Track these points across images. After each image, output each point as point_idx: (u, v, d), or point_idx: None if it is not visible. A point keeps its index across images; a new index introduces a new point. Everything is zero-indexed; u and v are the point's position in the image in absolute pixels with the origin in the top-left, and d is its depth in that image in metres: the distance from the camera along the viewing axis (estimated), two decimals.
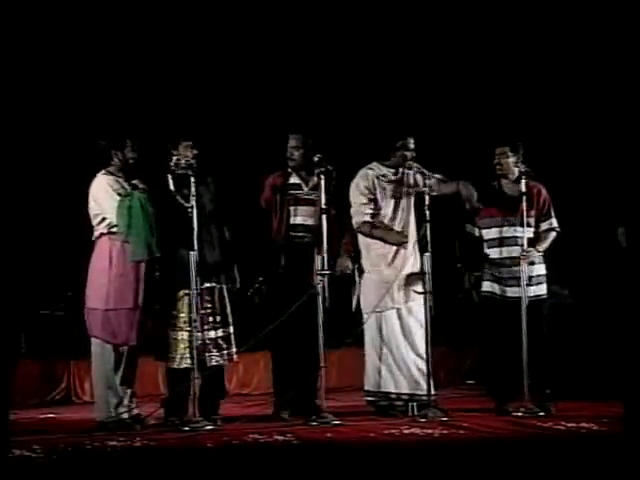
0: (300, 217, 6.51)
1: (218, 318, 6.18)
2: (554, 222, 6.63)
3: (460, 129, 9.16)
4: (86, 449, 5.27)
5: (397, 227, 6.58)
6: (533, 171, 6.53)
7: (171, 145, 6.22)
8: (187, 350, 6.01)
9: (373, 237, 6.55)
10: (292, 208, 6.51)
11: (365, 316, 6.52)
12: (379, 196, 6.56)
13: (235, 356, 6.28)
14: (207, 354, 6.09)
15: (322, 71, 9.10)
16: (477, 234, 6.64)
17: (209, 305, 6.15)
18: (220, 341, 6.16)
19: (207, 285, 6.13)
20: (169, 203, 6.09)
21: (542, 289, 6.57)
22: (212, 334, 6.14)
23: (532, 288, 6.49)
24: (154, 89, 8.75)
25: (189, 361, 5.99)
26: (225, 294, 6.25)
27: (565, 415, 6.13)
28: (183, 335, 6.06)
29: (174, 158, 6.16)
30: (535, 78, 9.01)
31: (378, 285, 6.50)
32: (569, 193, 7.54)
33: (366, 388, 6.55)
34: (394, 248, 6.55)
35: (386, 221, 6.57)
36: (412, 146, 6.62)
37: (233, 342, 6.23)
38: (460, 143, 8.99)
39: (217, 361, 6.14)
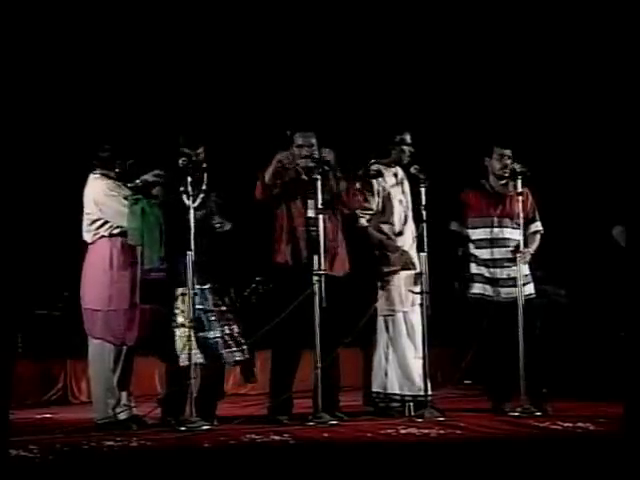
0: (311, 210, 6.44)
1: (230, 315, 6.17)
2: (539, 225, 6.69)
3: (454, 129, 9.16)
4: (83, 449, 5.26)
5: (406, 246, 6.59)
6: (529, 171, 6.55)
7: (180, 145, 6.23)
8: (191, 348, 6.01)
9: (372, 242, 6.55)
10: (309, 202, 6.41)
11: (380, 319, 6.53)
12: (383, 201, 6.57)
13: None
14: (226, 350, 6.08)
15: (319, 70, 9.09)
16: (464, 233, 6.65)
17: (219, 302, 6.14)
18: (239, 338, 6.15)
19: (209, 285, 6.13)
20: (174, 203, 6.09)
21: (531, 288, 6.59)
22: (227, 330, 6.13)
23: (524, 288, 6.51)
24: (160, 89, 8.75)
25: (192, 358, 6.00)
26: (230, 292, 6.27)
27: (561, 415, 6.14)
28: (185, 333, 6.05)
29: (182, 158, 6.16)
30: (533, 77, 9.01)
31: (386, 288, 6.51)
32: (564, 193, 7.55)
33: (373, 389, 6.55)
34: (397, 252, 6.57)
35: (395, 233, 6.59)
36: (409, 141, 6.63)
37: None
38: (452, 143, 9.00)
39: (240, 357, 6.13)
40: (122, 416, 6.00)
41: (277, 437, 5.52)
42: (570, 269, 8.16)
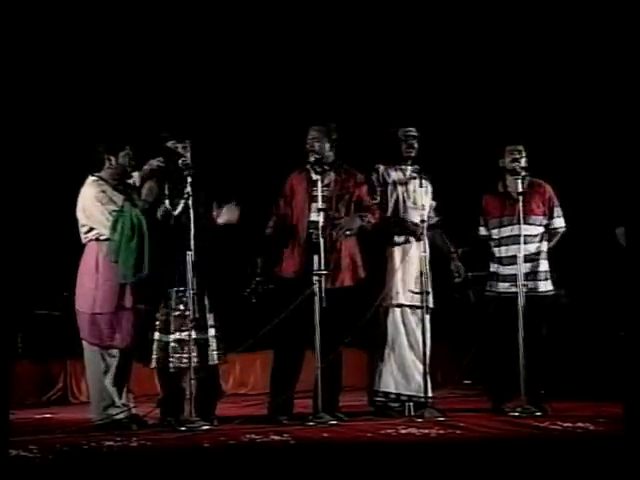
0: (314, 214, 6.35)
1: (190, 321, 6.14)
2: (556, 222, 6.68)
3: (463, 127, 9.14)
4: (83, 449, 5.25)
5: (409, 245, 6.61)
6: (532, 170, 6.55)
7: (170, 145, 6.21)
8: (190, 351, 6.02)
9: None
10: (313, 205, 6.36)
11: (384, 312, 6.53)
12: (381, 196, 6.59)
13: (223, 357, 6.23)
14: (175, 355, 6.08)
15: (323, 68, 9.07)
16: (486, 234, 6.69)
17: (182, 308, 6.10)
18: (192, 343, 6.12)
19: (180, 289, 6.07)
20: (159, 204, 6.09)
21: (549, 285, 6.62)
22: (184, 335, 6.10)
23: (541, 283, 6.54)
24: (150, 90, 8.73)
25: (172, 362, 6.01)
26: (204, 298, 6.21)
27: (561, 415, 6.14)
28: (175, 336, 6.06)
29: (181, 158, 6.16)
30: (535, 77, 8.99)
31: (387, 283, 6.51)
32: (566, 192, 7.51)
33: (372, 388, 6.56)
34: (400, 248, 6.57)
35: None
36: (414, 134, 6.62)
37: (213, 346, 6.19)
38: (463, 141, 8.99)
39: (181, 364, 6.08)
40: (119, 416, 5.99)
41: (277, 437, 5.52)
42: (570, 269, 8.15)
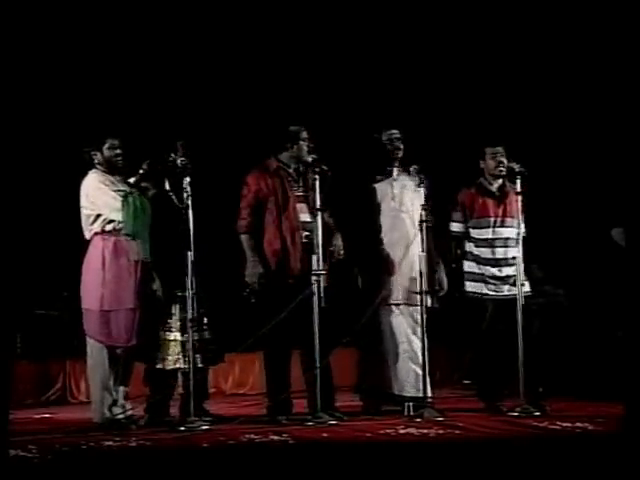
0: (302, 214, 6.37)
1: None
2: (523, 227, 6.63)
3: (447, 128, 9.13)
4: (82, 449, 5.26)
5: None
6: (527, 170, 6.55)
7: (167, 145, 6.22)
8: (180, 351, 6.03)
9: None
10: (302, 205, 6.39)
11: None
12: None
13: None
14: (198, 355, 6.11)
15: (312, 71, 9.07)
16: (463, 230, 6.64)
17: (186, 308, 6.09)
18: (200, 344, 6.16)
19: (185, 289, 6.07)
20: (164, 204, 6.09)
21: (527, 287, 6.56)
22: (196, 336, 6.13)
23: (526, 284, 6.53)
24: (147, 87, 8.73)
25: (182, 362, 6.02)
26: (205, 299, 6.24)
27: (560, 415, 6.14)
28: (176, 336, 6.08)
29: (170, 158, 6.17)
30: (529, 74, 8.99)
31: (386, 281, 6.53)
32: (564, 193, 7.55)
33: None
34: (395, 247, 6.57)
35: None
36: (398, 135, 6.60)
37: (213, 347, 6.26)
38: (450, 144, 8.98)
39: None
40: (120, 416, 6.00)
41: (276, 437, 5.52)
42: (569, 269, 8.17)
